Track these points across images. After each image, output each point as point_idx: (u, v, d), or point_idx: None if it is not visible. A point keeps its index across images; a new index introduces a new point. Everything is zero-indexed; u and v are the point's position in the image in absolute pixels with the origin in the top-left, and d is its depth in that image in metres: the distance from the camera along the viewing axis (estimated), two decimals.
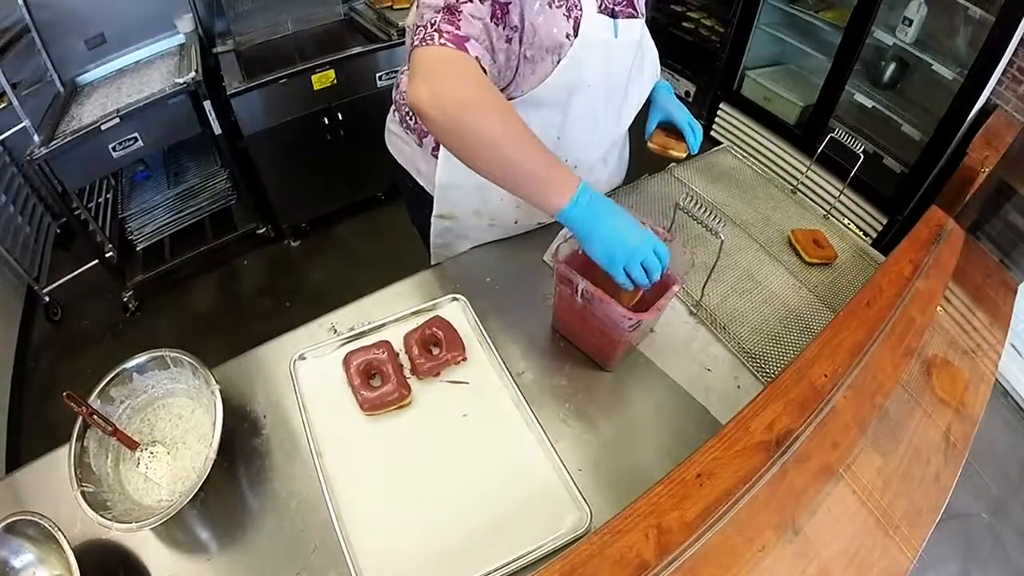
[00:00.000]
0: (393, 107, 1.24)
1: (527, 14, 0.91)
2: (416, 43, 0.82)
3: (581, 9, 0.94)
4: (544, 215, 1.21)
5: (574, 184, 0.82)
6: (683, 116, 1.19)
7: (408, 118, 1.18)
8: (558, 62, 0.96)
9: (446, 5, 0.83)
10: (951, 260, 1.13)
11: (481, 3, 0.85)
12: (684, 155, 1.21)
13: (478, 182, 1.11)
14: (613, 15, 0.99)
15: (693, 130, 1.18)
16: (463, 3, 0.84)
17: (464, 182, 1.12)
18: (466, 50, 0.81)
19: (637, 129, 1.25)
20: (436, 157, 1.12)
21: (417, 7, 0.88)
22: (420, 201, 1.21)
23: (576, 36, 0.94)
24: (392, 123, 1.25)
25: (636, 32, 1.04)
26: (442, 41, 0.80)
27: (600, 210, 0.83)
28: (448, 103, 0.78)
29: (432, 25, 0.82)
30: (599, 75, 1.02)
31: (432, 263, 1.27)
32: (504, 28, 0.90)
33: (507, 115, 0.81)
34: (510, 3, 0.89)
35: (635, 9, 1.04)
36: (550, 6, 0.91)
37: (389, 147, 1.28)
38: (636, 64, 1.09)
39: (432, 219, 1.21)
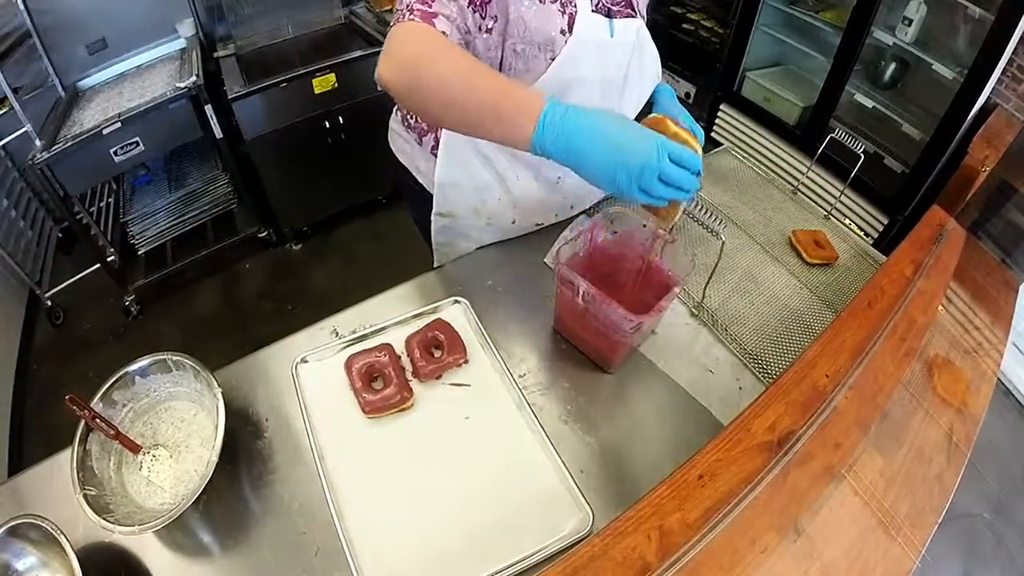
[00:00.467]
0: (396, 106, 1.25)
1: (514, 7, 0.90)
2: (392, 23, 0.84)
3: (575, 6, 0.94)
4: (542, 215, 1.22)
5: (538, 105, 0.73)
6: (685, 121, 1.18)
7: (409, 117, 1.19)
8: (551, 59, 0.95)
9: None
10: (952, 260, 1.13)
11: None
12: None
13: (476, 182, 1.12)
14: (609, 15, 0.99)
15: (695, 134, 1.18)
16: None
17: (462, 181, 1.13)
18: (433, 24, 0.81)
19: None
20: (435, 156, 1.12)
21: None
22: (421, 200, 1.22)
23: (571, 33, 0.94)
24: (394, 122, 1.26)
25: (632, 32, 1.03)
26: (411, 17, 0.82)
27: (579, 128, 0.72)
28: (401, 62, 0.79)
29: (407, 7, 0.84)
30: (595, 73, 1.02)
31: (435, 264, 1.27)
32: (483, 17, 0.90)
33: (456, 58, 0.78)
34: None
35: (633, 9, 1.04)
36: (542, 1, 0.91)
37: (391, 146, 1.29)
38: (634, 64, 1.09)
39: (432, 217, 1.21)
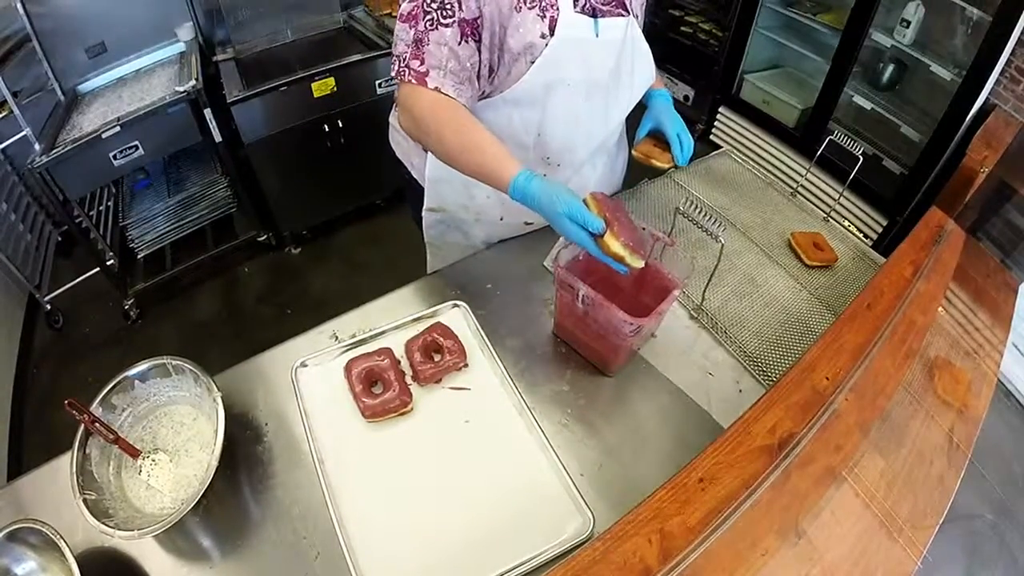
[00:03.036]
0: (395, 104, 1.27)
1: (498, 19, 0.94)
2: (394, 74, 0.98)
3: (558, 8, 0.95)
4: (529, 214, 1.22)
5: (508, 175, 0.90)
6: (673, 127, 1.17)
7: None
8: (528, 61, 0.97)
9: (415, 40, 0.93)
10: (952, 261, 1.13)
11: (447, 28, 0.92)
12: (668, 166, 1.17)
13: (464, 178, 1.13)
14: (594, 14, 0.99)
15: (682, 142, 1.16)
16: (430, 31, 0.92)
17: (451, 177, 1.14)
18: (426, 84, 0.94)
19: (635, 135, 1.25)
20: (427, 152, 1.14)
21: (394, 37, 0.98)
22: (416, 194, 1.25)
23: (552, 35, 0.95)
24: (393, 118, 1.29)
25: (619, 31, 1.03)
26: (408, 78, 0.95)
27: (527, 197, 0.89)
28: (411, 123, 1.00)
29: (403, 60, 0.95)
30: (578, 73, 1.03)
31: (428, 271, 1.28)
32: (479, 40, 0.95)
33: (446, 131, 0.95)
34: (478, 17, 0.93)
35: (625, 8, 1.04)
36: (518, 9, 0.93)
37: (391, 142, 1.32)
38: (625, 64, 1.09)
39: (423, 212, 1.24)
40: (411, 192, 1.29)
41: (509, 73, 1.00)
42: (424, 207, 1.23)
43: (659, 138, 1.19)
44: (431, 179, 1.18)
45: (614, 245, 0.82)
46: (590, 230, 0.83)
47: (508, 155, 0.91)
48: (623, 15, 1.04)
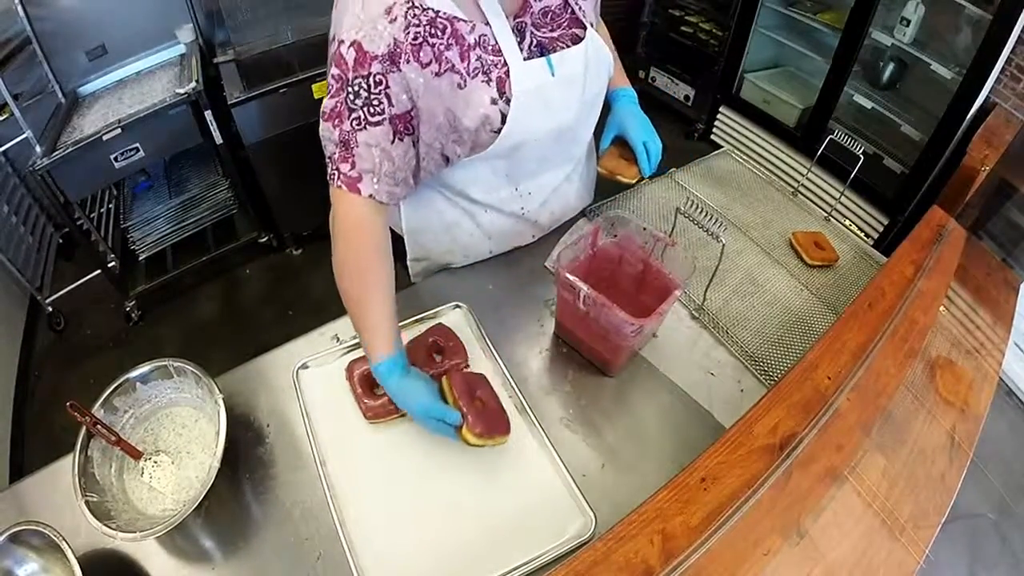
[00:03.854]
0: None
1: (434, 108, 0.85)
2: (328, 178, 0.86)
3: (505, 64, 0.86)
4: (518, 240, 1.20)
5: (378, 356, 0.86)
6: (639, 134, 1.09)
7: None
8: (494, 130, 0.89)
9: (341, 140, 0.82)
10: (953, 260, 1.13)
11: (376, 127, 0.81)
12: (634, 180, 1.10)
13: (444, 220, 1.09)
14: (543, 52, 0.90)
15: (648, 151, 1.09)
16: (357, 132, 0.81)
17: (431, 223, 1.10)
18: (358, 191, 0.84)
19: None
20: (399, 205, 1.08)
21: (320, 137, 0.86)
22: (397, 241, 1.11)
23: (503, 98, 0.87)
24: None
25: (578, 63, 0.93)
26: (338, 184, 0.84)
27: (390, 389, 0.87)
28: (331, 229, 0.89)
29: (332, 162, 0.84)
30: (543, 124, 0.95)
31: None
32: (413, 137, 0.86)
33: (349, 271, 0.88)
34: (411, 110, 0.83)
35: (580, 26, 0.94)
36: (462, 86, 0.84)
37: None
38: (589, 90, 0.99)
39: (408, 263, 1.19)
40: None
41: (473, 146, 0.92)
42: (408, 258, 1.17)
43: (625, 146, 1.11)
44: (409, 231, 1.12)
45: (471, 438, 0.81)
46: (448, 422, 0.82)
47: (388, 332, 0.87)
48: (579, 38, 0.94)
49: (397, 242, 1.12)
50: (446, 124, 0.88)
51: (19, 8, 2.05)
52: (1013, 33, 1.97)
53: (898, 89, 2.58)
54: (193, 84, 2.13)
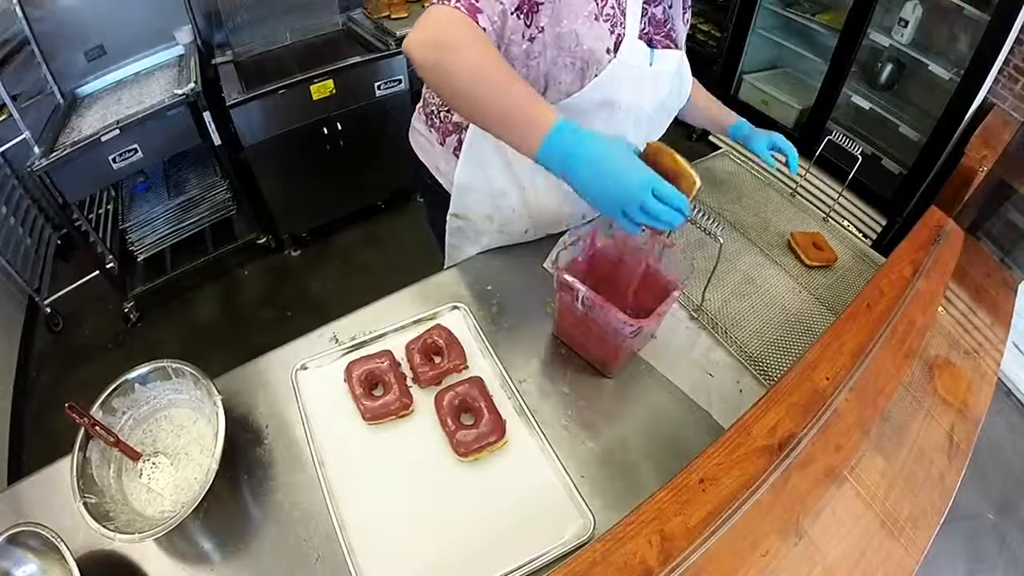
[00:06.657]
0: (420, 104, 1.24)
1: (568, 21, 0.89)
2: (432, 3, 0.82)
3: (624, 29, 0.93)
4: (555, 226, 1.22)
5: (547, 123, 0.75)
6: (765, 143, 1.21)
7: (433, 116, 1.18)
8: (592, 75, 0.94)
9: None
10: (951, 260, 1.13)
11: None
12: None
13: (493, 188, 1.12)
14: (650, 44, 0.99)
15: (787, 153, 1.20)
16: None
17: (480, 186, 1.13)
18: (476, 19, 0.81)
19: None
20: (457, 156, 1.12)
21: None
22: (437, 200, 1.22)
23: (615, 55, 0.93)
24: (417, 121, 1.26)
25: (672, 63, 1.03)
26: (455, 4, 0.80)
27: (578, 154, 0.74)
28: (433, 40, 0.79)
29: None
30: (628, 98, 1.00)
31: (446, 264, 1.27)
32: (528, 25, 0.89)
33: (485, 55, 0.78)
34: (543, 3, 0.87)
35: (672, 42, 1.04)
36: (597, 19, 0.90)
37: (412, 144, 1.28)
38: (672, 99, 1.09)
39: (447, 217, 1.22)
40: (431, 196, 1.27)
41: (562, 81, 0.96)
42: (449, 212, 1.20)
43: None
44: (459, 185, 1.15)
45: (460, 458, 0.81)
46: (677, 207, 0.72)
47: (544, 102, 0.78)
48: (672, 47, 1.03)
49: (442, 200, 1.20)
50: (568, 37, 0.89)
51: (17, 9, 2.05)
52: (1011, 34, 1.97)
53: (896, 90, 2.59)
54: (192, 85, 2.13)
